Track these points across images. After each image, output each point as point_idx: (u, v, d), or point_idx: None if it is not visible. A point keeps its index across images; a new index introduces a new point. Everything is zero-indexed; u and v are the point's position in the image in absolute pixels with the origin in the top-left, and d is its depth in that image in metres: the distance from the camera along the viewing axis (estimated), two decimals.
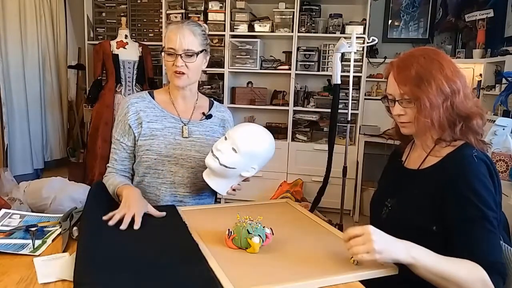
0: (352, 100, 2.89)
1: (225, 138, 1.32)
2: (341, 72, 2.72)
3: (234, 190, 1.40)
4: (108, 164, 1.53)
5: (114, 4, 4.18)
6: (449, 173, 1.04)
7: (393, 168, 1.30)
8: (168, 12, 3.76)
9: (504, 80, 2.53)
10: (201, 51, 1.44)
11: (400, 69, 1.09)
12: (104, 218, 1.18)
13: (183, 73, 1.42)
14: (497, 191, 1.04)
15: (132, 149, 1.50)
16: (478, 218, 0.97)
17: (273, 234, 1.08)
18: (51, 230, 1.20)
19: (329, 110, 3.02)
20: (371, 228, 0.94)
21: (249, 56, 3.70)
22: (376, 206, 1.25)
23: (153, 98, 1.53)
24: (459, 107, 1.06)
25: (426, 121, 1.05)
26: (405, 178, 1.18)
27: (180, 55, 1.39)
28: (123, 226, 1.14)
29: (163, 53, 1.44)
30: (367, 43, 2.89)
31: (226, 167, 1.30)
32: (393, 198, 1.18)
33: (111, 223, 1.16)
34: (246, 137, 1.31)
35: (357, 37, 2.72)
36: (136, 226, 1.16)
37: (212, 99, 1.66)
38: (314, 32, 3.60)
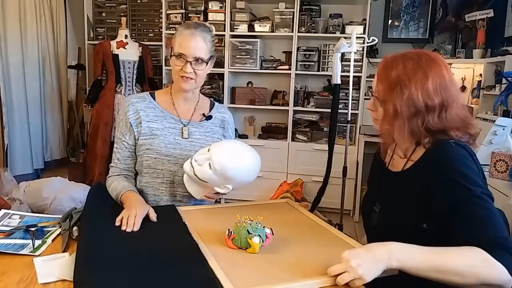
0: (352, 100, 2.89)
1: (208, 150, 1.30)
2: (341, 72, 2.72)
3: (208, 197, 1.38)
4: (111, 164, 1.54)
5: (114, 4, 4.18)
6: (430, 163, 1.02)
7: (378, 170, 1.29)
8: (168, 12, 3.76)
9: (504, 80, 2.53)
10: (210, 58, 1.45)
11: (385, 66, 1.06)
12: (116, 224, 1.19)
13: (191, 78, 1.43)
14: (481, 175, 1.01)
15: (133, 148, 1.50)
16: (468, 197, 0.94)
17: (273, 234, 1.08)
18: (51, 230, 1.20)
19: (329, 110, 3.02)
20: (347, 254, 0.90)
21: (249, 56, 3.70)
22: (365, 211, 1.25)
23: (154, 99, 1.54)
24: (432, 124, 1.02)
25: (386, 127, 1.04)
26: (390, 182, 1.16)
27: (190, 62, 1.40)
28: (128, 229, 1.15)
29: (170, 56, 1.42)
30: (367, 43, 2.89)
31: (198, 178, 1.29)
32: (380, 203, 1.18)
33: (116, 224, 1.18)
34: (224, 157, 1.26)
35: (357, 37, 2.71)
36: (136, 228, 1.16)
37: (212, 99, 1.66)
38: (314, 32, 3.60)
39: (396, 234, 1.00)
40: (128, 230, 1.15)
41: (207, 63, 1.44)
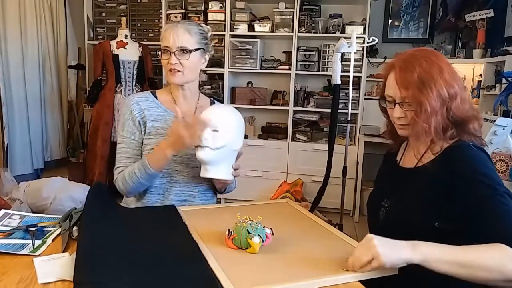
0: (352, 100, 2.89)
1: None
2: (341, 72, 2.72)
3: (236, 169, 1.42)
4: (117, 166, 1.48)
5: (114, 4, 4.18)
6: (452, 164, 1.04)
7: (388, 168, 1.30)
8: (168, 12, 3.76)
9: (504, 80, 2.53)
10: (197, 49, 1.44)
11: (402, 71, 1.08)
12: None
13: (178, 71, 1.43)
14: None
15: (141, 146, 1.49)
16: (492, 195, 0.96)
17: (273, 234, 1.08)
18: (51, 230, 1.20)
19: (329, 110, 3.02)
20: (370, 235, 0.93)
21: (249, 56, 3.70)
22: (372, 207, 1.25)
23: (155, 97, 1.54)
24: (455, 112, 1.06)
25: (424, 125, 1.05)
26: (401, 178, 1.18)
27: (174, 52, 1.41)
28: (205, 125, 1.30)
29: (159, 52, 1.45)
30: (367, 43, 2.89)
31: (218, 148, 1.32)
32: (389, 198, 1.18)
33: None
34: (216, 115, 1.34)
35: (357, 37, 2.72)
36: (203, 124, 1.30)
37: (212, 98, 1.66)
38: (314, 32, 3.60)
39: (404, 231, 1.00)
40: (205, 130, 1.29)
41: (190, 51, 1.42)
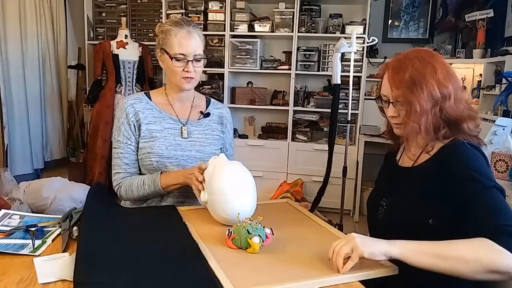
0: (352, 100, 2.89)
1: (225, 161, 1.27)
2: (341, 72, 2.72)
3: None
4: (116, 171, 1.47)
5: (114, 4, 4.18)
6: (444, 161, 1.05)
7: (388, 168, 1.31)
8: (168, 12, 3.76)
9: (504, 80, 2.52)
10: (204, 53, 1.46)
11: (394, 71, 1.09)
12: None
13: (192, 78, 1.43)
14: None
15: (137, 150, 1.49)
16: (480, 190, 0.96)
17: (273, 234, 1.08)
18: (51, 230, 1.20)
19: (329, 110, 3.02)
20: (349, 234, 0.96)
21: (249, 56, 3.70)
22: (372, 206, 1.26)
23: (150, 99, 1.52)
24: (449, 112, 1.06)
25: (414, 125, 1.06)
26: (400, 177, 1.19)
27: (191, 60, 1.40)
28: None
29: (172, 59, 1.39)
30: (367, 43, 2.89)
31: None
32: (388, 197, 1.19)
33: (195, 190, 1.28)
34: (224, 177, 1.20)
35: (357, 37, 2.72)
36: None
37: (208, 96, 1.66)
38: (314, 32, 3.60)
39: (401, 228, 1.01)
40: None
41: (202, 58, 1.43)
